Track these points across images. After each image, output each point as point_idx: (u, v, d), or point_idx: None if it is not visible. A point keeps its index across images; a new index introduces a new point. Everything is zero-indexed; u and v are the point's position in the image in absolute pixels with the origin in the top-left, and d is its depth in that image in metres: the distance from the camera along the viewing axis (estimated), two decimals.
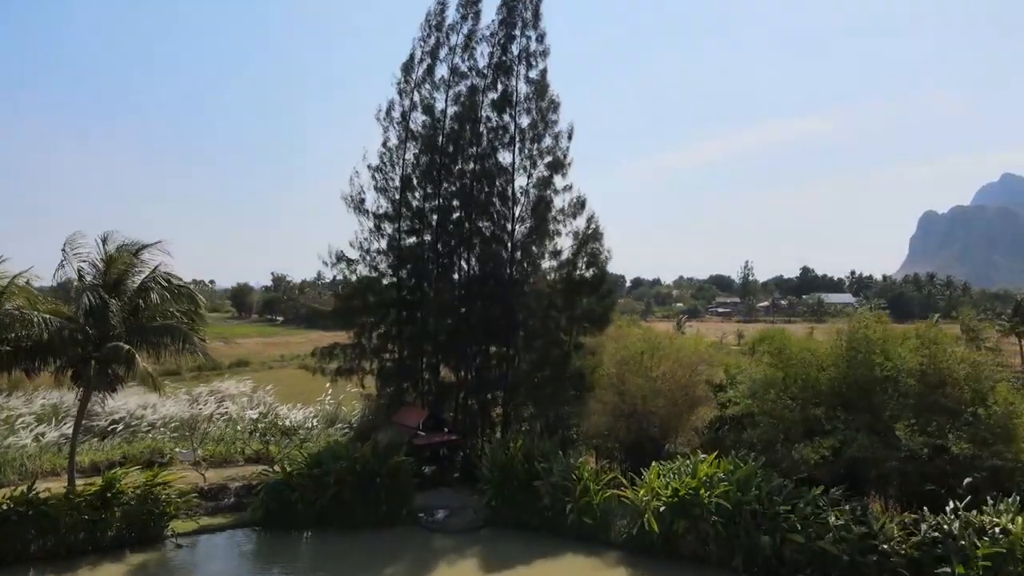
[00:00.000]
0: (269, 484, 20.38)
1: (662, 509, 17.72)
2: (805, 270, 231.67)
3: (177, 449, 24.38)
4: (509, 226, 25.58)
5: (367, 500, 20.42)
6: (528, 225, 25.74)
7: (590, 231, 24.61)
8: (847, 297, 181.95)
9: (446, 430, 24.35)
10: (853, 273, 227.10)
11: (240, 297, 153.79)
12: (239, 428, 28.70)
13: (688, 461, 18.86)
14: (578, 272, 24.62)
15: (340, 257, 25.52)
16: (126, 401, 30.03)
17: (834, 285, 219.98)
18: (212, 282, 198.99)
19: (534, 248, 25.50)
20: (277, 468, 20.82)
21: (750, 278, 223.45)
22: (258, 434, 27.13)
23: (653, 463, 19.38)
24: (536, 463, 20.24)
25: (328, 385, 34.87)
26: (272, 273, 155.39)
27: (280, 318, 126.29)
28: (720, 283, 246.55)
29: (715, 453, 18.50)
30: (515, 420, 25.55)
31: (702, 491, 17.54)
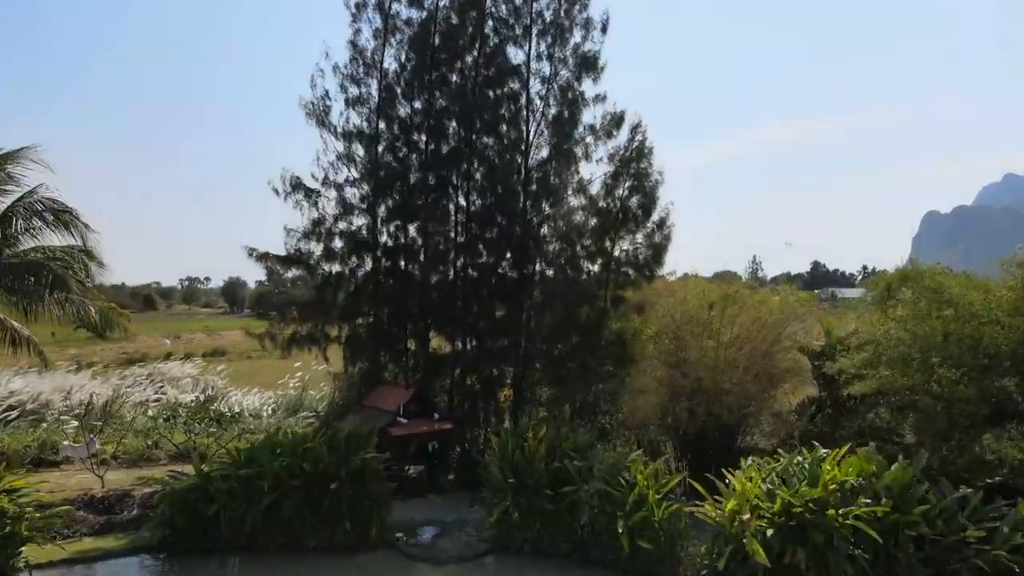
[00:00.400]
0: (176, 492, 14.27)
1: (768, 533, 11.66)
2: (816, 264, 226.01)
3: (66, 443, 18.24)
4: (522, 147, 19.48)
5: (320, 514, 14.45)
6: (548, 147, 19.65)
7: (634, 146, 18.52)
8: (861, 292, 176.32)
9: (436, 416, 18.27)
10: (866, 268, 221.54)
11: (232, 292, 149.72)
12: (171, 418, 22.48)
13: (793, 459, 12.89)
14: (618, 200, 18.54)
15: (297, 185, 19.35)
16: (30, 384, 24.01)
17: (846, 280, 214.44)
18: (207, 279, 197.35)
19: (555, 177, 19.37)
20: (188, 470, 14.79)
21: (759, 273, 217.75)
22: (182, 422, 20.88)
23: (742, 460, 13.35)
24: (567, 461, 14.20)
25: (297, 364, 29.08)
26: (266, 267, 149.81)
27: (275, 312, 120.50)
28: (726, 279, 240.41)
29: (844, 448, 12.47)
30: (530, 403, 19.48)
31: (830, 507, 11.50)
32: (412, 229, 20.87)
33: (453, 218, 20.78)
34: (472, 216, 19.96)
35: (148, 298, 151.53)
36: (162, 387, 27.37)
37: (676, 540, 13.00)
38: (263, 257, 19.14)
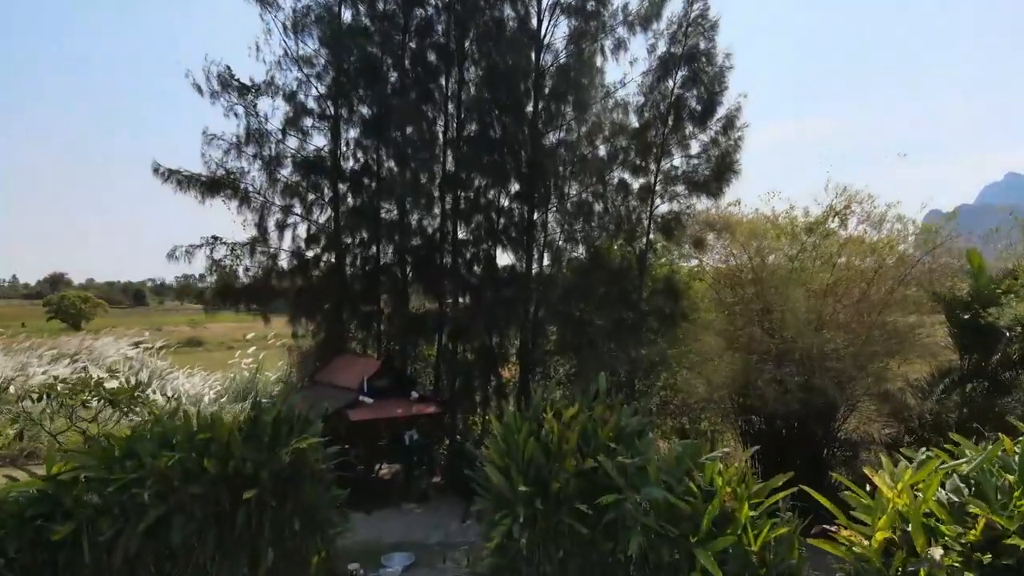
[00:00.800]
0: (5, 505, 9.55)
1: None
2: None
3: None
4: (533, 22, 14.81)
5: (231, 537, 9.75)
6: (566, 40, 14.96)
7: (690, 19, 13.76)
8: None
9: (415, 396, 13.63)
10: None
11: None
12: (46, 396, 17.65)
13: (997, 450, 8.20)
14: (667, 95, 13.82)
15: (228, 82, 14.59)
16: None
17: None
18: (203, 276, 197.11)
19: (575, 73, 14.65)
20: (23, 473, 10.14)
21: None
22: (58, 404, 16.09)
23: (901, 461, 8.61)
24: (606, 457, 9.46)
25: (253, 346, 24.62)
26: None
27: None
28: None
29: None
30: (542, 381, 14.88)
31: None
32: (388, 157, 16.22)
33: (441, 140, 16.08)
34: (467, 120, 15.23)
35: (138, 294, 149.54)
36: (84, 367, 22.69)
37: None
38: (172, 175, 14.40)
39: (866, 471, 8.39)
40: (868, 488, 8.20)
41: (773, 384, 11.22)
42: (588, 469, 9.55)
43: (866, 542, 7.68)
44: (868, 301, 11.94)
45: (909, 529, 7.64)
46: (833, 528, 8.08)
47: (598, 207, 14.78)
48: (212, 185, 14.67)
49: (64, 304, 74.23)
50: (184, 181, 14.41)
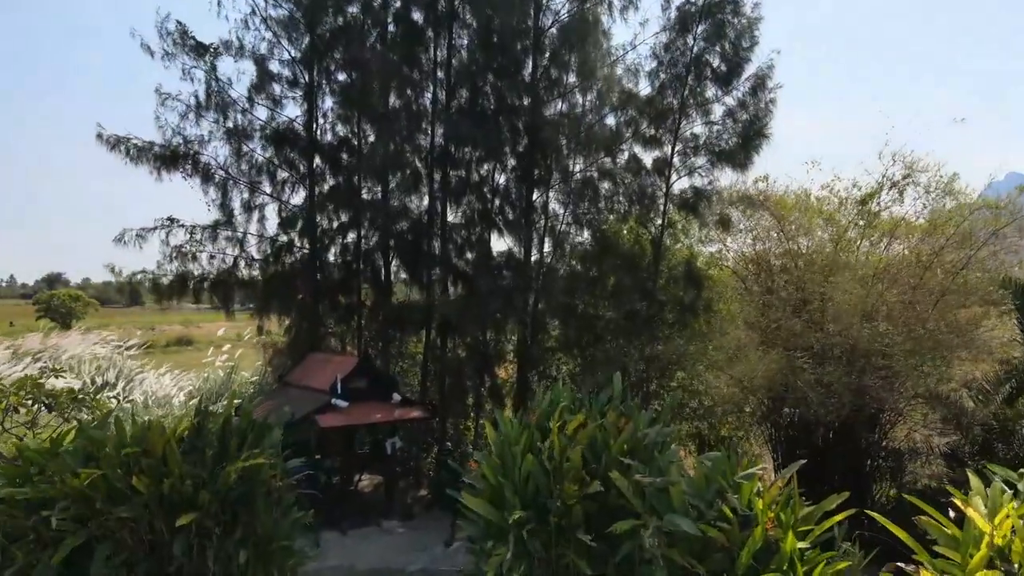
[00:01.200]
0: None
1: None
2: None
3: None
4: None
5: (167, 567, 8.28)
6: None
7: None
8: None
9: (397, 399, 12.11)
10: None
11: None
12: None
13: None
14: (686, 53, 12.30)
15: (183, 40, 13.07)
16: None
17: None
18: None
19: (578, 34, 13.12)
20: None
21: None
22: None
23: (993, 482, 7.07)
24: (617, 473, 7.96)
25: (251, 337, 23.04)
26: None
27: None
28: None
29: None
30: (543, 379, 13.38)
31: None
32: (370, 129, 14.72)
33: (429, 111, 14.55)
34: (459, 110, 13.70)
35: (134, 292, 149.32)
36: (45, 367, 21.24)
37: None
38: (120, 144, 12.86)
39: (953, 498, 6.87)
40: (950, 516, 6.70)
41: (817, 387, 9.69)
42: (597, 493, 8.06)
43: None
44: (924, 289, 10.45)
45: (1017, 571, 6.11)
46: (911, 568, 6.54)
47: (606, 184, 13.29)
48: (169, 158, 13.15)
49: (54, 303, 73.70)
50: (135, 152, 12.92)
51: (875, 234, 11.00)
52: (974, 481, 6.87)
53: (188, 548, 8.10)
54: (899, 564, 6.68)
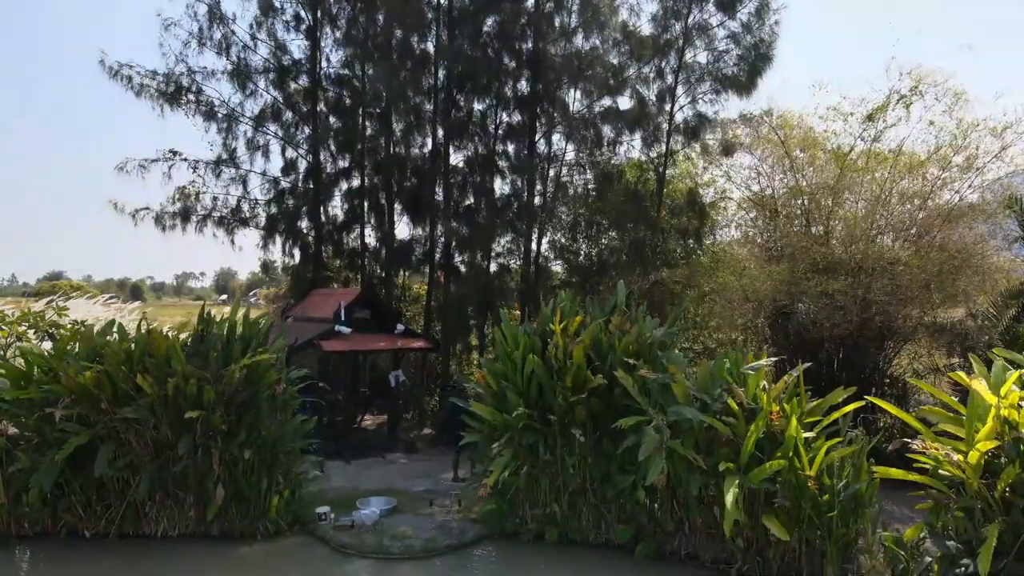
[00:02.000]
0: None
1: None
2: None
3: None
4: None
5: (170, 475, 8.36)
6: None
7: None
8: None
9: (401, 328, 12.12)
10: None
11: (223, 284, 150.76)
12: None
13: None
14: None
15: None
16: None
17: None
18: (202, 274, 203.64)
19: None
20: None
21: None
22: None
23: (996, 361, 7.15)
24: (624, 372, 8.02)
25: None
26: (259, 258, 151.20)
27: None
28: None
29: None
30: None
31: None
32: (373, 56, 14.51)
33: (433, 55, 14.43)
34: (460, 45, 13.49)
35: (135, 289, 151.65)
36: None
37: (856, 514, 6.90)
38: (122, 70, 12.76)
39: (956, 376, 6.87)
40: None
41: (823, 299, 9.60)
42: (603, 388, 8.08)
43: (957, 456, 6.22)
44: (929, 210, 10.35)
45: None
46: (917, 442, 6.56)
47: (609, 116, 13.10)
48: (172, 94, 13.03)
49: (54, 293, 74.06)
50: (139, 83, 12.81)
51: (882, 153, 10.83)
52: (976, 364, 6.87)
53: (192, 449, 8.15)
54: (905, 439, 6.68)
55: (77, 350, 8.43)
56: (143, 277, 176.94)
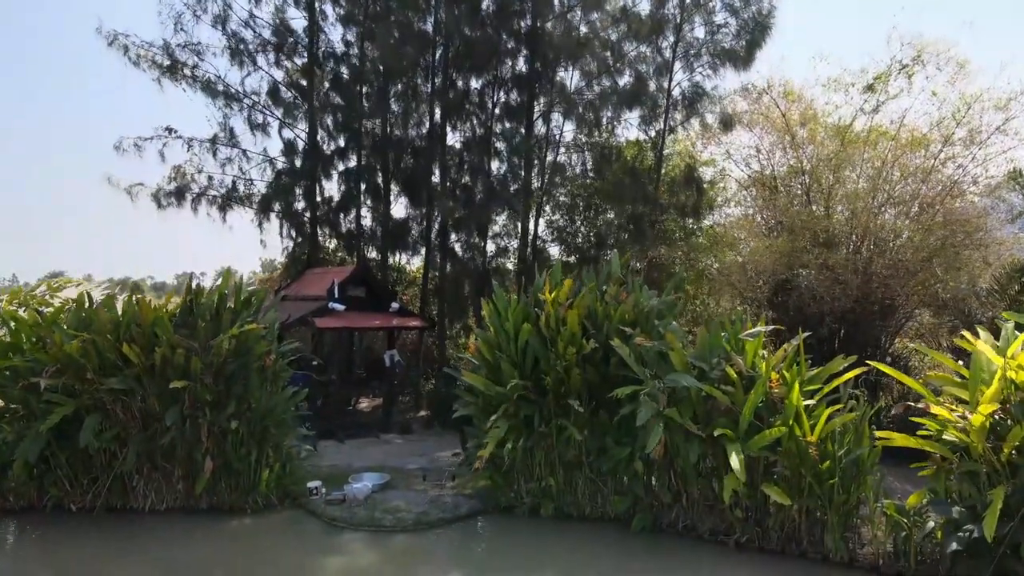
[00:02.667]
0: None
1: None
2: None
3: None
4: None
5: (157, 448, 8.19)
6: None
7: None
8: None
9: (395, 307, 11.94)
10: None
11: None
12: None
13: None
14: None
15: None
16: None
17: None
18: (203, 274, 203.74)
19: None
20: None
21: None
22: None
23: (1001, 329, 7.03)
24: (620, 341, 7.83)
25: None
26: (260, 258, 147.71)
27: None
28: None
29: None
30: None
31: None
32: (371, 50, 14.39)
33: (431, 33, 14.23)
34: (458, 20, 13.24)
35: (136, 288, 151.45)
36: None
37: (857, 481, 6.73)
38: (118, 39, 12.52)
39: (962, 336, 6.69)
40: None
41: (824, 271, 9.42)
42: (598, 358, 7.91)
43: (962, 421, 6.04)
44: (931, 183, 10.18)
45: None
46: (922, 402, 6.39)
47: (608, 93, 12.89)
48: (169, 67, 12.79)
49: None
50: (136, 53, 12.58)
51: (883, 125, 10.65)
52: (982, 331, 6.70)
53: (181, 419, 7.98)
54: (908, 403, 6.51)
55: (67, 320, 8.27)
56: (144, 277, 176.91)
